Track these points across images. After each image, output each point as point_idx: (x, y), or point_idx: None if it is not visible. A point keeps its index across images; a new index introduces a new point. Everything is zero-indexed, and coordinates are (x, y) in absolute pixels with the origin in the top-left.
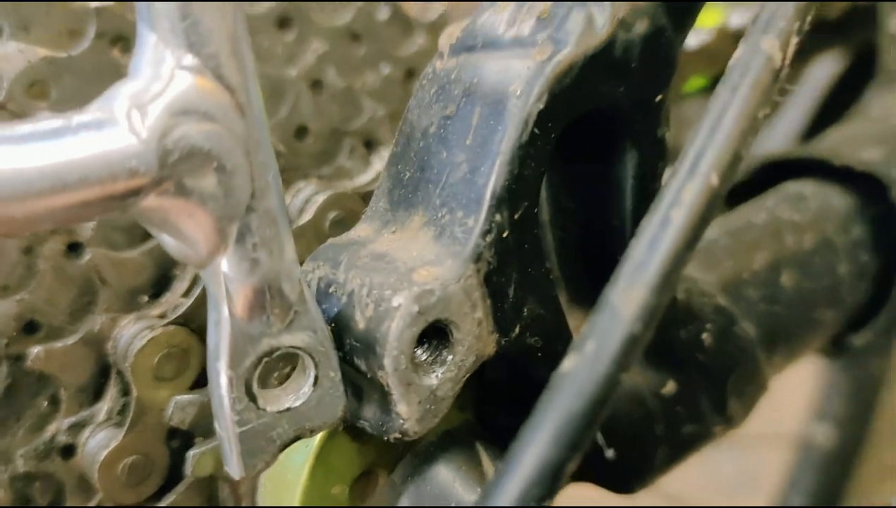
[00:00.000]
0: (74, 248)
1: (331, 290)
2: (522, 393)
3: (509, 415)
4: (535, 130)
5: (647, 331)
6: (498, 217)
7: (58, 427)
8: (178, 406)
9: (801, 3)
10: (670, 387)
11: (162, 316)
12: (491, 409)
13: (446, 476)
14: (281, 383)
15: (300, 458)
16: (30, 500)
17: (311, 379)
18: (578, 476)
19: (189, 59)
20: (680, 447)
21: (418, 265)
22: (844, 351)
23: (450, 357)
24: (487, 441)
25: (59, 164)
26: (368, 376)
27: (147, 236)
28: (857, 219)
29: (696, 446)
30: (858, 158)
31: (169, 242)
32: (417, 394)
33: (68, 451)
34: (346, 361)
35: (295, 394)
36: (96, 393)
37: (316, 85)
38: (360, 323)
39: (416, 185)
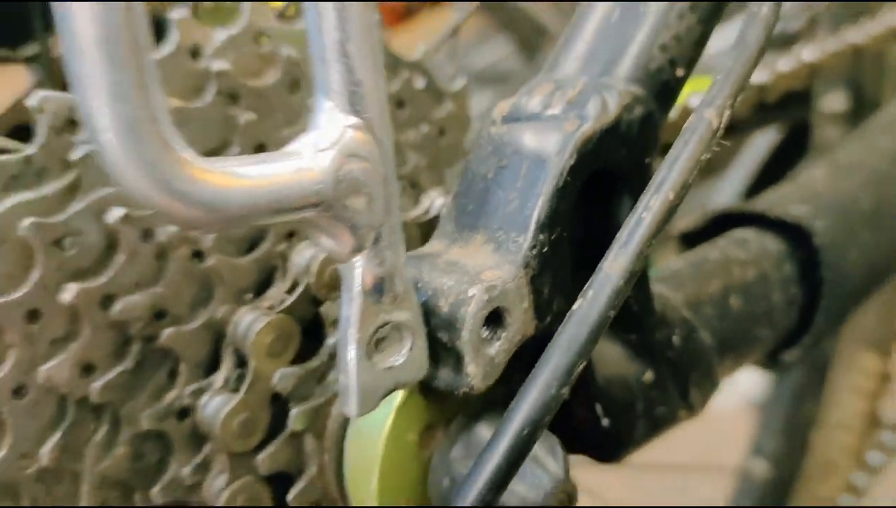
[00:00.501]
0: (198, 254)
1: (419, 286)
2: None
3: None
4: (567, 179)
5: (627, 287)
6: (541, 237)
7: (177, 394)
8: (282, 376)
9: (733, 87)
10: (648, 376)
11: (271, 308)
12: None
13: (485, 431)
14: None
15: (381, 413)
16: (142, 455)
17: (408, 347)
18: (575, 448)
19: (352, 120)
20: (654, 424)
21: (484, 269)
22: (778, 365)
23: (504, 334)
24: None
25: (273, 186)
26: (448, 346)
27: (252, 248)
28: (787, 260)
29: (665, 425)
30: (789, 212)
31: (324, 243)
32: (482, 360)
33: (183, 413)
34: (430, 335)
35: (396, 357)
36: (208, 368)
37: None
38: (444, 307)
39: (478, 214)
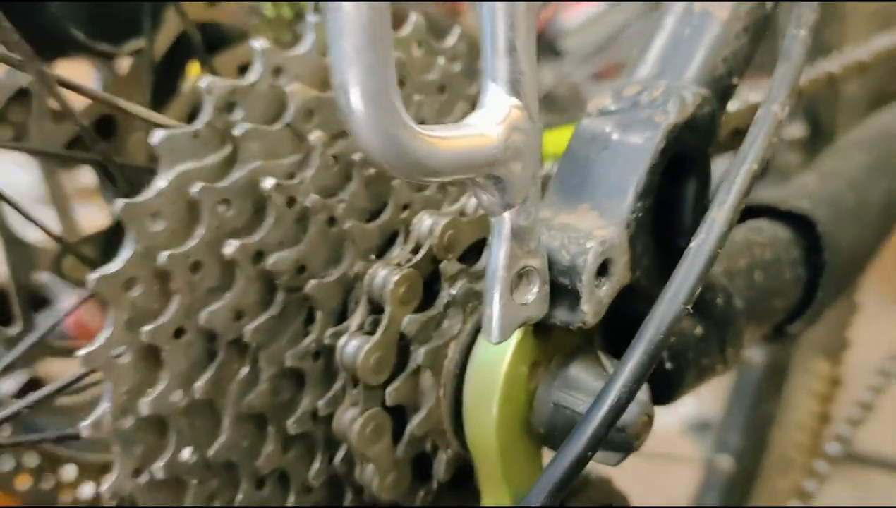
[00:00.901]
0: (332, 221)
1: (542, 241)
2: (629, 322)
3: (620, 337)
4: (658, 158)
5: (728, 232)
6: (638, 204)
7: (315, 337)
8: (409, 321)
9: (790, 84)
10: (699, 331)
11: (399, 265)
12: (610, 331)
13: (579, 368)
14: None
15: (500, 351)
16: (279, 391)
17: (537, 288)
18: None
19: (515, 101)
20: (700, 373)
21: (595, 228)
22: (783, 337)
23: (608, 281)
24: (605, 350)
25: (464, 148)
26: (568, 288)
27: (376, 215)
28: (795, 245)
29: (708, 375)
30: (796, 205)
31: (485, 198)
32: (594, 300)
33: (318, 354)
34: (551, 281)
35: (528, 295)
36: (339, 316)
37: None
38: (566, 257)
39: (582, 188)
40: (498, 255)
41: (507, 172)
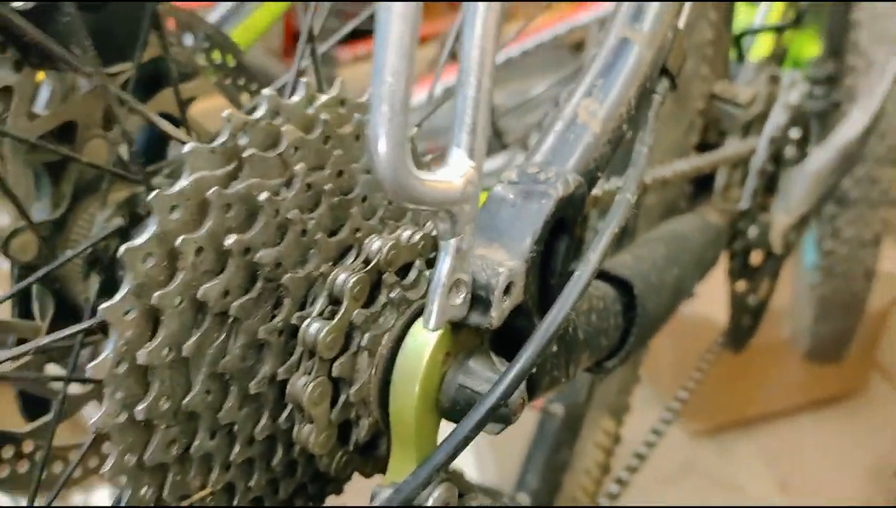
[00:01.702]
0: (304, 232)
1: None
2: (511, 332)
3: (502, 343)
4: (549, 218)
5: (595, 273)
6: (534, 247)
7: (282, 318)
8: (359, 313)
9: (639, 177)
10: (553, 348)
11: (354, 271)
12: (496, 339)
13: (477, 361)
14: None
15: (424, 341)
16: (246, 359)
17: (463, 295)
18: None
19: (470, 163)
20: (551, 381)
21: (504, 260)
22: (602, 370)
23: (509, 297)
24: (492, 352)
25: (440, 189)
26: (483, 298)
27: (335, 232)
28: (617, 301)
29: (555, 384)
30: (620, 272)
31: (441, 226)
32: (499, 309)
33: (281, 332)
34: (472, 292)
35: (457, 299)
36: (302, 304)
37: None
38: (484, 277)
39: (494, 231)
40: (444, 267)
41: (460, 210)
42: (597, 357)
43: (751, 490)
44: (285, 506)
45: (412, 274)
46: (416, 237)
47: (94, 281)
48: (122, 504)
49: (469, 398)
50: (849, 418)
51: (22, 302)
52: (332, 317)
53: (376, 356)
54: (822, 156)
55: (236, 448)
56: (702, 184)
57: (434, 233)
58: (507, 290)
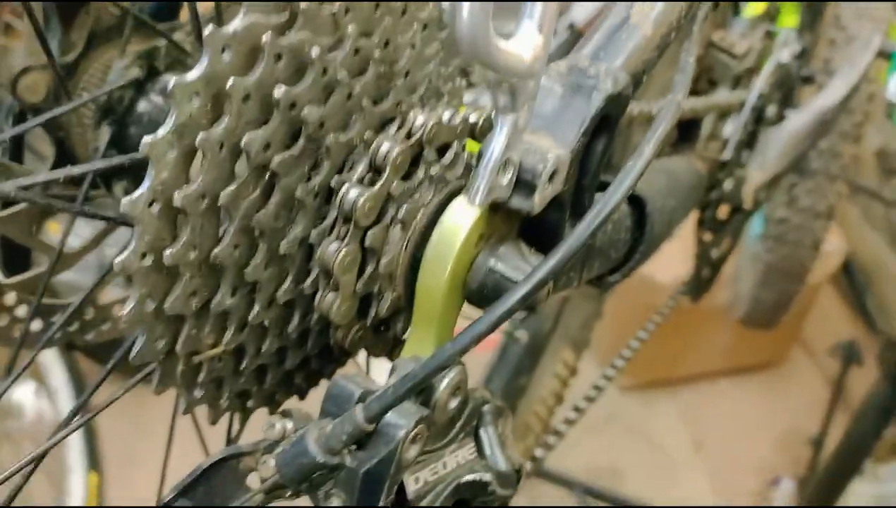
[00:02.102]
0: (350, 96)
1: None
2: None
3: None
4: (596, 112)
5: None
6: (581, 138)
7: (319, 180)
8: (398, 184)
9: (687, 84)
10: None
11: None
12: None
13: (508, 247)
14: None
15: (464, 219)
16: (279, 217)
17: (510, 175)
18: None
19: (539, 39)
20: (566, 281)
21: (551, 148)
22: (605, 285)
23: (552, 185)
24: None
25: (510, 60)
26: (528, 182)
27: (379, 102)
28: (630, 217)
29: (567, 285)
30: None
31: (501, 100)
32: (542, 195)
33: (317, 194)
34: (518, 175)
35: (504, 179)
36: (339, 168)
37: None
38: (532, 160)
39: (543, 120)
40: (498, 142)
41: (523, 85)
42: (604, 267)
43: (668, 446)
44: (283, 381)
45: (449, 155)
46: (457, 119)
47: (105, 132)
48: (134, 353)
49: (497, 282)
50: (767, 386)
51: (15, 149)
52: (371, 185)
53: (410, 229)
54: (800, 119)
55: (255, 309)
56: (685, 133)
57: (473, 118)
58: (550, 177)
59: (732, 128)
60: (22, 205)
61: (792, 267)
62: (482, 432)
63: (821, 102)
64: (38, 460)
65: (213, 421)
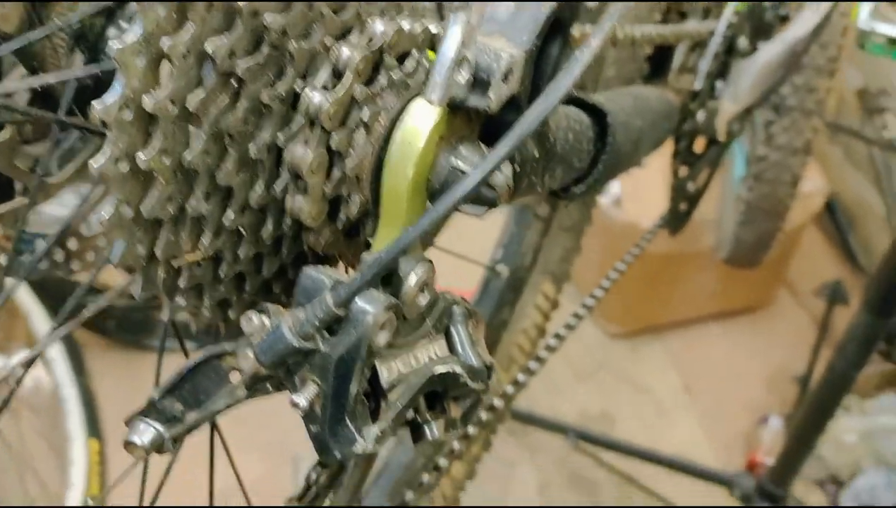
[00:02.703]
0: (310, 7)
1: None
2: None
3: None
4: (551, 15)
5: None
6: (534, 40)
7: (287, 85)
8: (361, 89)
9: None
10: (536, 153)
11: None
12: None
13: (467, 146)
14: None
15: (425, 121)
16: (247, 123)
17: (466, 74)
18: None
19: None
20: (529, 185)
21: (505, 48)
22: (569, 195)
23: (508, 84)
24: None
25: None
26: (484, 80)
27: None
28: (591, 128)
29: (531, 190)
30: (598, 100)
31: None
32: (499, 92)
33: (283, 99)
34: (474, 74)
35: (460, 77)
36: (304, 74)
37: None
38: (487, 59)
39: (498, 24)
40: (452, 39)
41: None
42: (569, 176)
43: (657, 389)
44: (262, 290)
45: (410, 63)
46: (417, 28)
47: (78, 60)
48: (115, 258)
49: (459, 179)
50: (754, 329)
51: None
52: (334, 87)
53: (374, 132)
54: (771, 49)
55: (229, 214)
56: (657, 68)
57: (433, 29)
58: (505, 77)
59: (703, 59)
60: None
61: (771, 205)
62: (453, 330)
63: (791, 33)
64: (28, 365)
65: (197, 331)
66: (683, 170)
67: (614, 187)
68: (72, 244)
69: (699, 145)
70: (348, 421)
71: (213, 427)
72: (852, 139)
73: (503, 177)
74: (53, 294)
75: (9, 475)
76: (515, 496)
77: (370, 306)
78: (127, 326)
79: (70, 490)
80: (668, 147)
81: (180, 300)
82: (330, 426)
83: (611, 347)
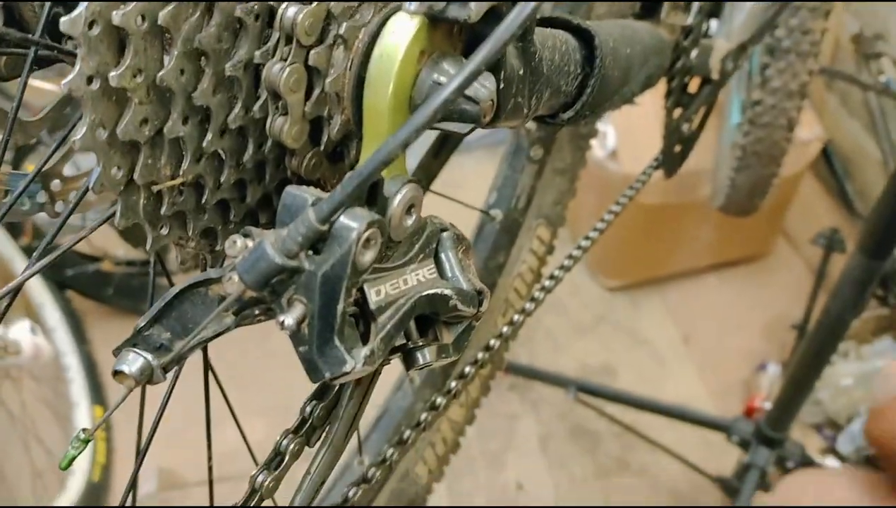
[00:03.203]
0: None
1: None
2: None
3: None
4: None
5: None
6: None
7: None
8: (337, 3)
9: None
10: (521, 71)
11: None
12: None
13: (450, 61)
14: None
15: (404, 35)
16: (221, 39)
17: None
18: None
19: None
20: (514, 108)
21: None
22: (557, 122)
23: None
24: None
25: None
26: None
27: None
28: (578, 50)
29: (517, 114)
30: (584, 23)
31: None
32: (479, 3)
33: (258, 16)
34: None
35: None
36: None
37: None
38: None
39: None
40: None
41: None
42: (557, 101)
43: (657, 340)
44: (247, 219)
45: None
46: None
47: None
48: (92, 182)
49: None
50: (752, 279)
51: None
52: (310, 1)
53: (353, 48)
54: None
55: (208, 137)
56: (648, 9)
57: None
58: None
59: None
60: None
61: (767, 150)
62: (442, 255)
63: None
64: (13, 294)
65: (182, 262)
66: (677, 113)
67: (610, 140)
68: (55, 186)
69: (693, 85)
70: (337, 342)
71: (207, 365)
72: (848, 85)
73: (486, 90)
74: (51, 263)
75: (13, 444)
76: (518, 449)
77: (354, 222)
78: (126, 293)
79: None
80: (662, 93)
81: (164, 229)
82: (318, 346)
83: (610, 301)
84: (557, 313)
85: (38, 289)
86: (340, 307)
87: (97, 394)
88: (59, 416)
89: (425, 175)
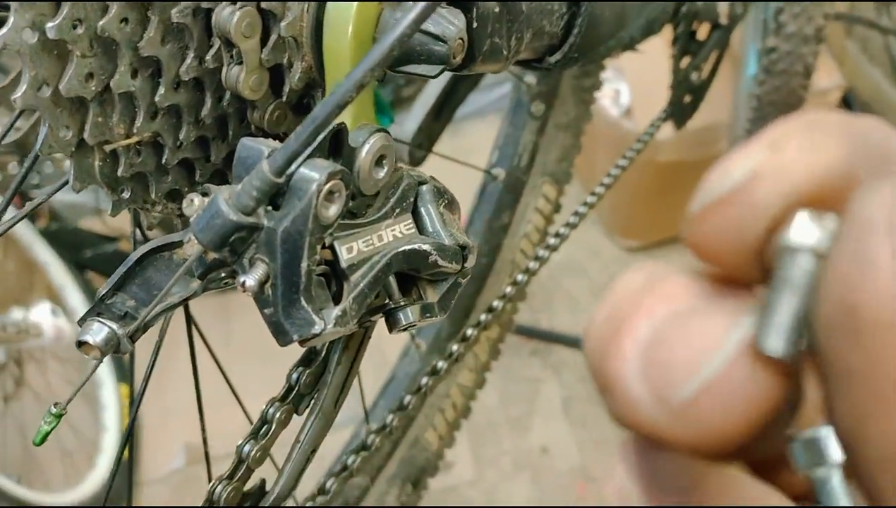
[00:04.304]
0: None
1: None
2: None
3: None
4: None
5: None
6: None
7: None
8: None
9: None
10: (497, 9)
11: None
12: None
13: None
14: None
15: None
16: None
17: None
18: None
19: None
20: (491, 51)
21: None
22: (545, 66)
23: None
24: None
25: None
26: None
27: None
28: None
29: (494, 58)
30: None
31: None
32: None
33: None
34: None
35: None
36: None
37: None
38: None
39: None
40: None
41: None
42: (541, 42)
43: None
44: (214, 178)
45: None
46: None
47: None
48: (39, 144)
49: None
50: None
51: None
52: None
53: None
54: None
55: (161, 91)
56: None
57: None
58: None
59: None
60: None
61: (784, 98)
62: (422, 209)
63: None
64: None
65: (150, 227)
66: (686, 62)
67: (624, 98)
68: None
69: (702, 33)
70: (304, 302)
71: (190, 331)
72: (869, 31)
73: (454, 28)
74: (69, 245)
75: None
76: (541, 412)
77: (314, 173)
78: None
79: (104, 434)
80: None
81: (125, 193)
82: (283, 307)
83: (628, 262)
84: (577, 275)
85: (58, 271)
86: (304, 265)
87: (122, 372)
88: (86, 396)
89: (427, 137)
